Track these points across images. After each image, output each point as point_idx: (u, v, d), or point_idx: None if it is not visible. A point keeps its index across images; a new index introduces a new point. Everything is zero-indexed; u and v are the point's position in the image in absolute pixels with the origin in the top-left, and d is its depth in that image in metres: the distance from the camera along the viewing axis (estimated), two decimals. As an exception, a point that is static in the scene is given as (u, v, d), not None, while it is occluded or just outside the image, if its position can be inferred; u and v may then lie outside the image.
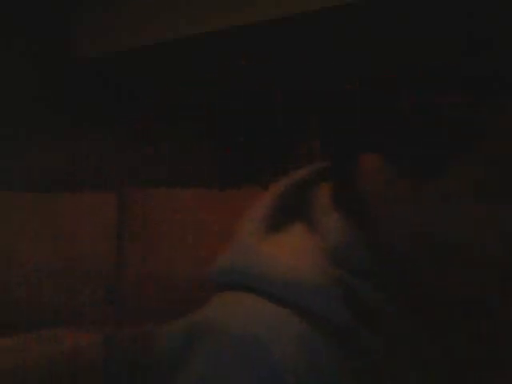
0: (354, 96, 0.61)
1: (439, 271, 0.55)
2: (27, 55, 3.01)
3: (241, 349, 0.48)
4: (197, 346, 0.50)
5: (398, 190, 0.54)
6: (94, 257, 2.28)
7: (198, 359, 0.50)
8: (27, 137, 2.93)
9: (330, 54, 3.20)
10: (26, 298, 2.08)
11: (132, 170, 3.75)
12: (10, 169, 2.73)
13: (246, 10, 3.21)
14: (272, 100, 3.94)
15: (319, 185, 0.61)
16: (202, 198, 2.44)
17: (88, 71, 3.39)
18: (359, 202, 0.56)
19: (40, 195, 2.31)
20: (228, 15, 3.23)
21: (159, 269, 2.25)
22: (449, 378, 0.59)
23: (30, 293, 2.10)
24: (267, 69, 3.35)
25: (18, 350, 1.63)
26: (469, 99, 0.54)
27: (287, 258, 0.54)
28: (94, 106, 3.44)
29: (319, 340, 0.50)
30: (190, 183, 4.10)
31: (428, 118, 0.54)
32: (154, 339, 1.59)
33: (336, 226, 0.56)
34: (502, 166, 0.53)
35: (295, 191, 0.61)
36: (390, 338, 0.55)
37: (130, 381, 1.77)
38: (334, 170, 0.61)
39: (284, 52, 3.27)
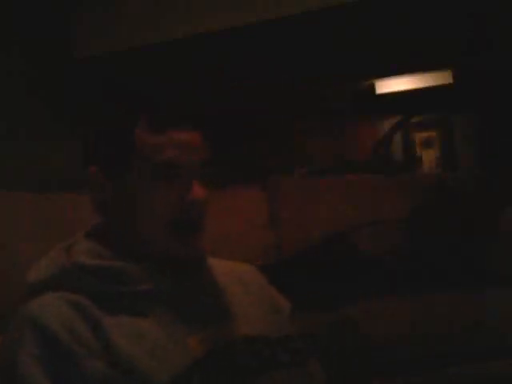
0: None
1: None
2: (27, 55, 3.01)
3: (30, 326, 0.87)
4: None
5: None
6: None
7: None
8: (27, 137, 2.93)
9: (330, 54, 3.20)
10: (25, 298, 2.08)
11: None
12: (10, 169, 2.73)
13: (245, 9, 3.22)
14: (271, 99, 3.94)
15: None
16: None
17: (88, 71, 3.39)
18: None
19: (40, 195, 2.31)
20: (228, 15, 3.23)
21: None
22: None
23: (30, 293, 2.10)
24: (267, 68, 3.35)
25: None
26: None
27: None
28: (94, 105, 3.44)
29: (74, 307, 0.85)
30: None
31: None
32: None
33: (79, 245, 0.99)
34: None
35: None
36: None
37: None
38: None
39: (284, 52, 3.28)
